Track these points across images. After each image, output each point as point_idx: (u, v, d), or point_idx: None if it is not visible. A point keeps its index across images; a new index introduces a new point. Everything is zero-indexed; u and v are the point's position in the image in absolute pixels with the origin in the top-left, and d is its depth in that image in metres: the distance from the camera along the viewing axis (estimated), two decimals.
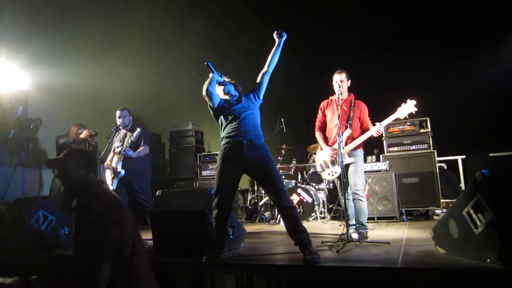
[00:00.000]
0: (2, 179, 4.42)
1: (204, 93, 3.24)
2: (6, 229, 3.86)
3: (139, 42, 7.41)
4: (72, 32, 5.90)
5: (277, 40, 3.37)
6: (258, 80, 3.41)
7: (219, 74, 3.31)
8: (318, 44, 12.08)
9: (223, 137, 3.24)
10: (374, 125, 4.02)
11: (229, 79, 3.44)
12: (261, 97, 3.40)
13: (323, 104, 4.34)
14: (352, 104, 4.10)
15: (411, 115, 3.98)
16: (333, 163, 4.08)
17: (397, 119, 4.03)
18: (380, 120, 3.97)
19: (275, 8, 10.68)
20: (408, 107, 3.90)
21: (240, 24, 10.88)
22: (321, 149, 4.27)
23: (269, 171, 3.08)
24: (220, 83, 3.35)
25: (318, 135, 4.30)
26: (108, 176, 4.71)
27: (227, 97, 3.37)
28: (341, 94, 3.98)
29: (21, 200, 4.27)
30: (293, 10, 10.50)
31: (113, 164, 4.65)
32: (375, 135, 4.00)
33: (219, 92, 3.37)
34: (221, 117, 3.30)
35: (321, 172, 4.27)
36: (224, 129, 3.26)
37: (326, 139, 4.25)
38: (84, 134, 5.35)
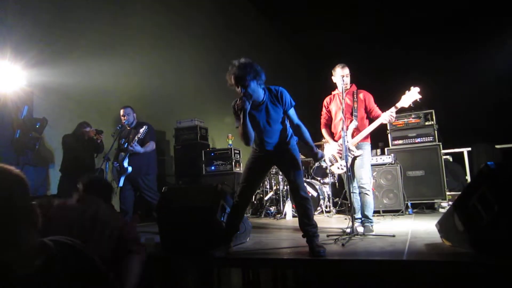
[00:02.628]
0: None
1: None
2: None
3: (142, 40, 7.43)
4: (75, 31, 5.93)
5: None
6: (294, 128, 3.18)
7: (246, 101, 2.84)
8: (322, 36, 12.01)
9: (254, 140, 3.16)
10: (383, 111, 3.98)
11: (244, 71, 2.84)
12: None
13: (326, 100, 4.33)
14: (355, 95, 4.08)
15: (416, 104, 3.91)
16: (341, 157, 4.08)
17: (402, 109, 3.99)
18: (384, 111, 3.93)
19: (278, 2, 10.64)
20: (412, 94, 3.84)
21: (243, 18, 10.85)
22: (328, 144, 4.27)
23: (291, 162, 3.11)
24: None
25: (324, 131, 4.29)
26: (115, 173, 4.76)
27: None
28: (345, 87, 3.96)
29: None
30: (296, 3, 10.46)
31: (120, 161, 4.69)
32: (386, 121, 3.91)
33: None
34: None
35: (330, 166, 4.28)
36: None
37: (332, 135, 4.24)
38: (90, 133, 5.41)
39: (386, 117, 3.87)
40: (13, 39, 4.78)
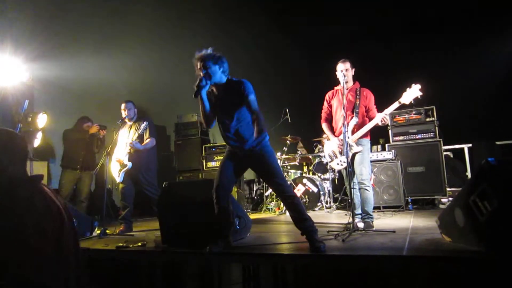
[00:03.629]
0: None
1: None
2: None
3: (142, 34, 7.41)
4: (76, 25, 5.92)
5: None
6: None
7: (203, 84, 2.98)
8: (322, 32, 11.97)
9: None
10: (378, 112, 4.00)
11: (206, 55, 3.03)
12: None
13: (328, 94, 4.32)
14: (358, 92, 4.08)
15: (417, 100, 3.90)
16: (341, 153, 4.08)
17: (403, 106, 3.99)
18: (386, 106, 3.94)
19: None
20: (413, 91, 3.84)
21: (244, 13, 10.79)
22: (329, 139, 4.27)
23: (267, 168, 3.06)
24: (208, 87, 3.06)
25: (324, 126, 4.29)
26: (115, 168, 4.76)
27: (214, 89, 3.16)
28: (346, 83, 3.96)
29: None
30: None
31: (120, 157, 4.69)
32: (380, 124, 3.98)
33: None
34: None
35: (330, 162, 4.28)
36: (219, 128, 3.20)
37: (333, 130, 4.24)
38: (93, 128, 5.41)
39: (379, 120, 3.90)
40: (14, 33, 4.78)
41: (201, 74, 3.01)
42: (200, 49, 3.09)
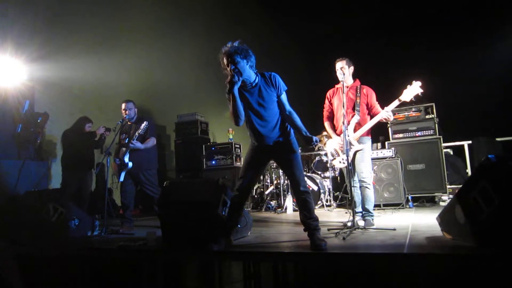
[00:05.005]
0: (12, 172, 4.49)
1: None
2: (18, 221, 3.94)
3: (142, 34, 7.41)
4: (76, 26, 5.93)
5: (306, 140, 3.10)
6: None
7: (235, 80, 2.91)
8: (323, 30, 11.96)
9: (249, 133, 3.21)
10: (383, 109, 4.00)
11: (233, 51, 2.94)
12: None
13: (329, 93, 4.32)
14: (358, 90, 4.08)
15: (417, 97, 3.89)
16: (343, 151, 4.08)
17: (403, 103, 3.98)
18: (386, 104, 3.93)
19: None
20: (414, 88, 3.83)
21: (244, 12, 10.78)
22: (330, 137, 4.28)
23: (292, 158, 3.10)
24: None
25: (327, 125, 4.29)
26: (116, 168, 4.77)
27: (244, 85, 3.09)
28: (344, 81, 3.96)
29: (31, 192, 4.35)
30: None
31: (121, 156, 4.70)
32: (384, 120, 3.98)
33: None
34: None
35: (332, 160, 4.28)
36: (248, 124, 3.18)
37: (335, 128, 4.25)
38: (99, 130, 5.50)
39: (384, 115, 3.90)
40: (15, 33, 4.78)
41: (230, 70, 2.93)
42: (226, 44, 2.98)
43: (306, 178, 6.22)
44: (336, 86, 4.27)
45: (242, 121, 3.04)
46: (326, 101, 4.32)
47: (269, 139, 3.12)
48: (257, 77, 3.07)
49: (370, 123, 3.97)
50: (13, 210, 4.12)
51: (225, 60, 2.97)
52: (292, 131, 3.19)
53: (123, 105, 4.87)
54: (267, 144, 3.13)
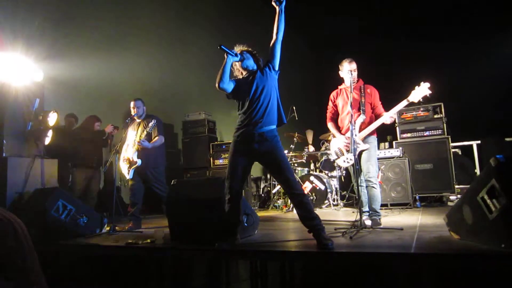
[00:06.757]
0: (22, 170, 4.55)
1: (217, 87, 3.16)
2: (27, 218, 3.99)
3: (150, 34, 7.46)
4: (85, 25, 5.99)
5: (277, 8, 3.17)
6: (270, 51, 3.28)
7: (233, 53, 3.14)
8: (329, 29, 11.92)
9: (237, 127, 3.23)
10: (385, 110, 4.00)
11: (247, 48, 3.33)
12: (277, 67, 3.28)
13: (333, 94, 4.32)
14: (362, 90, 4.07)
15: (425, 99, 3.86)
16: (348, 150, 4.08)
17: (411, 104, 3.96)
18: (394, 105, 3.91)
19: None
20: (422, 90, 3.79)
21: (251, 11, 10.79)
22: (334, 137, 4.27)
23: (279, 163, 3.08)
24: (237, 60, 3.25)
25: (330, 125, 4.29)
26: (124, 166, 4.81)
27: (245, 73, 3.30)
28: (353, 82, 3.95)
29: (41, 190, 4.40)
30: None
31: (129, 154, 4.74)
32: (388, 122, 3.97)
33: (237, 69, 3.32)
34: (237, 99, 3.27)
35: (336, 159, 4.28)
36: (239, 113, 3.24)
37: (338, 128, 4.24)
38: (108, 127, 5.57)
39: (387, 118, 3.91)
40: (25, 33, 4.84)
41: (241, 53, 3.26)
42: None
43: (313, 177, 6.24)
44: (339, 87, 4.27)
45: (222, 83, 3.14)
46: (330, 103, 4.32)
47: (253, 126, 3.14)
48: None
49: (375, 124, 3.96)
50: (22, 207, 4.17)
51: (241, 48, 3.31)
52: (276, 134, 3.19)
53: (132, 103, 4.92)
54: (251, 147, 3.13)
